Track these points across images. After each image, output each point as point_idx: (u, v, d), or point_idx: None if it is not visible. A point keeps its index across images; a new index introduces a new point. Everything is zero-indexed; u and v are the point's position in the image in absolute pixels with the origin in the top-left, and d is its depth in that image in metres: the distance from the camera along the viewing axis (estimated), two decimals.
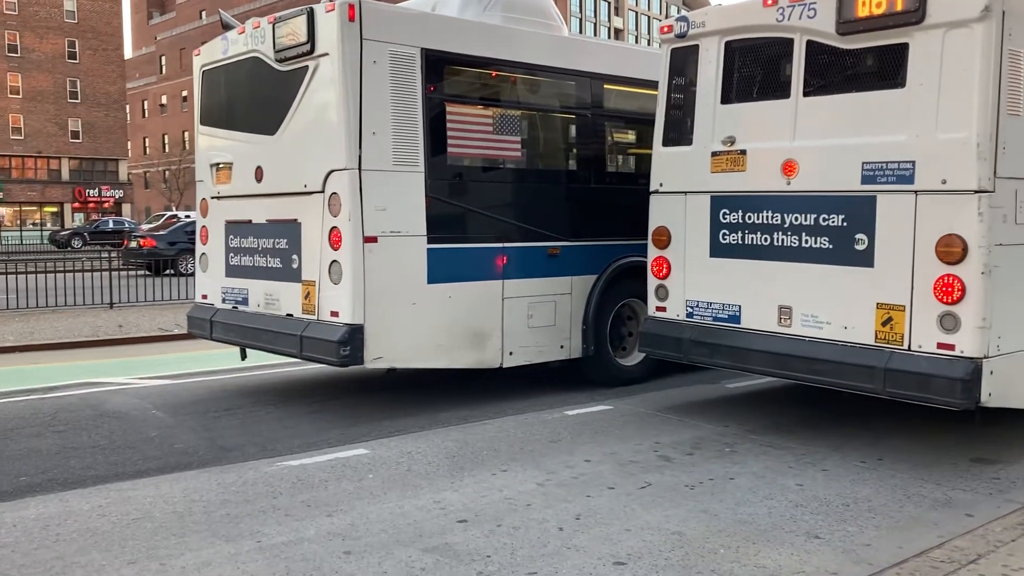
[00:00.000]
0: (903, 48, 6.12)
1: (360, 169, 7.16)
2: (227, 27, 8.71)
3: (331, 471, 6.22)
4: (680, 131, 7.71)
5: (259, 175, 8.06)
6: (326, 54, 7.28)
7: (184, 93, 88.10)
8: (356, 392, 9.06)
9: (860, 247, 6.35)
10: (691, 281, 7.53)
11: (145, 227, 48.78)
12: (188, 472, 6.28)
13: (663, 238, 7.72)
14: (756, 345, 7.00)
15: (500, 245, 8.04)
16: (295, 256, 7.69)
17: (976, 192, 5.77)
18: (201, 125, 8.96)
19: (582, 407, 8.20)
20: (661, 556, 4.65)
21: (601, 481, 5.94)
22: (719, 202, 7.28)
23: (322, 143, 7.35)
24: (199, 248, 9.13)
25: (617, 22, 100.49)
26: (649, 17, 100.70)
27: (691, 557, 4.64)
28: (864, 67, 6.48)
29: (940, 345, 5.94)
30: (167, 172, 75.74)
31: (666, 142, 7.80)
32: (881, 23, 6.18)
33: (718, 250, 7.30)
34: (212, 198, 8.86)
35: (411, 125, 7.43)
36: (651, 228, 7.84)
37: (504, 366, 8.15)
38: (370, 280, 7.22)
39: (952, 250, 5.86)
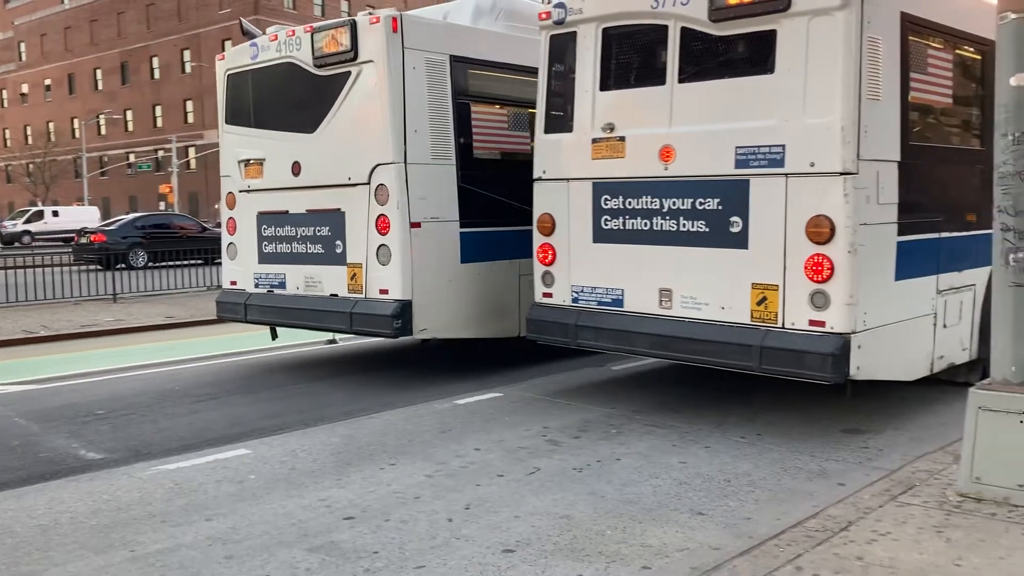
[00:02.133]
0: (772, 35, 6.31)
1: (405, 163, 8.09)
2: (248, 34, 9.57)
3: (210, 473, 5.98)
4: (561, 118, 7.74)
5: (296, 169, 8.84)
6: (370, 61, 8.12)
7: (48, 81, 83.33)
8: (237, 392, 8.76)
9: (735, 229, 6.54)
10: (576, 267, 7.60)
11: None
12: (54, 482, 5.92)
13: (547, 225, 7.75)
14: (639, 328, 7.12)
15: (517, 228, 8.61)
16: (339, 242, 8.56)
17: (841, 174, 6.01)
18: (227, 124, 9.64)
19: (472, 396, 8.18)
20: (550, 541, 4.66)
21: (491, 469, 5.93)
22: (600, 188, 7.35)
23: (367, 140, 8.20)
24: (226, 238, 9.82)
25: None
26: None
27: (579, 540, 4.67)
28: (736, 53, 6.65)
29: (812, 322, 6.18)
30: (31, 165, 71.44)
31: (547, 129, 7.82)
32: (750, 10, 6.35)
33: (601, 235, 7.39)
34: (240, 191, 9.51)
35: (444, 123, 8.42)
36: (535, 215, 7.86)
37: (521, 335, 8.70)
38: (416, 261, 8.16)
39: (821, 230, 6.09)
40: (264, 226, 9.30)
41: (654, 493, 5.39)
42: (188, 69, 72.45)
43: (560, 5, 7.57)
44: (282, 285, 9.14)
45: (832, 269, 6.06)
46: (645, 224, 7.07)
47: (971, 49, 7.34)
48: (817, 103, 6.10)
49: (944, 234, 6.96)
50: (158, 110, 75.72)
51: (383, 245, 8.16)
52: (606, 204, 7.32)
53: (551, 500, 5.29)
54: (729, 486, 5.51)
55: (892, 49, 6.32)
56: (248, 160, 9.35)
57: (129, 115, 77.35)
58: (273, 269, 9.22)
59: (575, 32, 7.47)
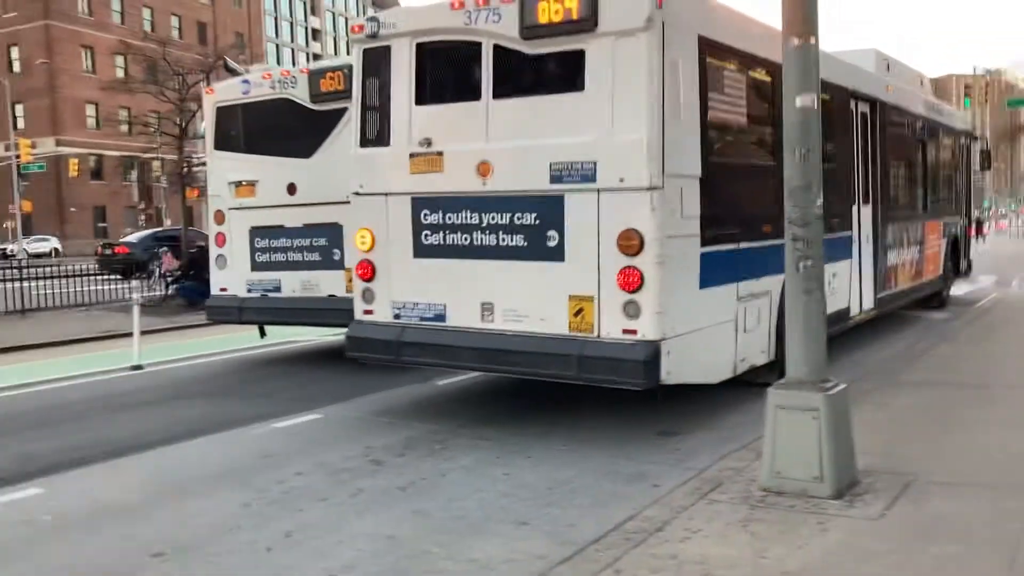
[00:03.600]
0: (581, 54, 6.52)
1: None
2: (232, 71, 11.27)
3: (1, 515, 5.45)
4: (378, 132, 7.66)
5: (292, 189, 10.10)
6: None
7: None
8: (31, 427, 8.04)
9: (552, 243, 6.69)
10: (396, 282, 7.52)
11: None
12: None
13: (366, 241, 7.63)
14: (462, 342, 7.14)
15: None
16: (336, 250, 9.81)
17: (648, 189, 6.29)
18: (216, 150, 10.87)
19: (292, 418, 7.91)
20: (374, 563, 4.57)
21: (313, 493, 5.75)
22: (420, 203, 7.32)
23: None
24: (215, 250, 10.91)
25: (314, 22, 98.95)
26: (346, 18, 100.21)
27: (404, 560, 4.60)
28: (547, 71, 6.83)
29: (625, 331, 6.42)
30: None
31: (363, 143, 7.72)
32: (560, 29, 6.53)
33: (421, 250, 7.35)
34: (230, 209, 10.65)
35: None
36: (354, 231, 7.73)
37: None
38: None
39: (631, 243, 6.34)
40: (257, 239, 10.45)
41: (480, 507, 5.40)
42: None
43: (373, 19, 7.50)
44: (277, 289, 10.35)
45: (642, 280, 6.32)
46: (465, 239, 7.11)
47: (763, 71, 7.91)
48: (625, 121, 6.35)
49: (743, 245, 7.44)
50: None
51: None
52: (426, 219, 7.30)
53: (376, 521, 5.19)
54: (552, 494, 5.61)
55: (691, 70, 6.70)
56: (239, 181, 10.56)
57: None
58: (267, 276, 10.43)
59: (389, 46, 7.41)
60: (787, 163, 5.26)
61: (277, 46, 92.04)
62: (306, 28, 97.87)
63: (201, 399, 8.96)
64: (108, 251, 29.38)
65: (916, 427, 6.62)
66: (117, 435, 7.52)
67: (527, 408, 8.08)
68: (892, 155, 11.84)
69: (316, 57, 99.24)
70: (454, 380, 9.30)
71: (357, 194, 7.71)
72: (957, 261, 15.48)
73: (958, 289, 16.20)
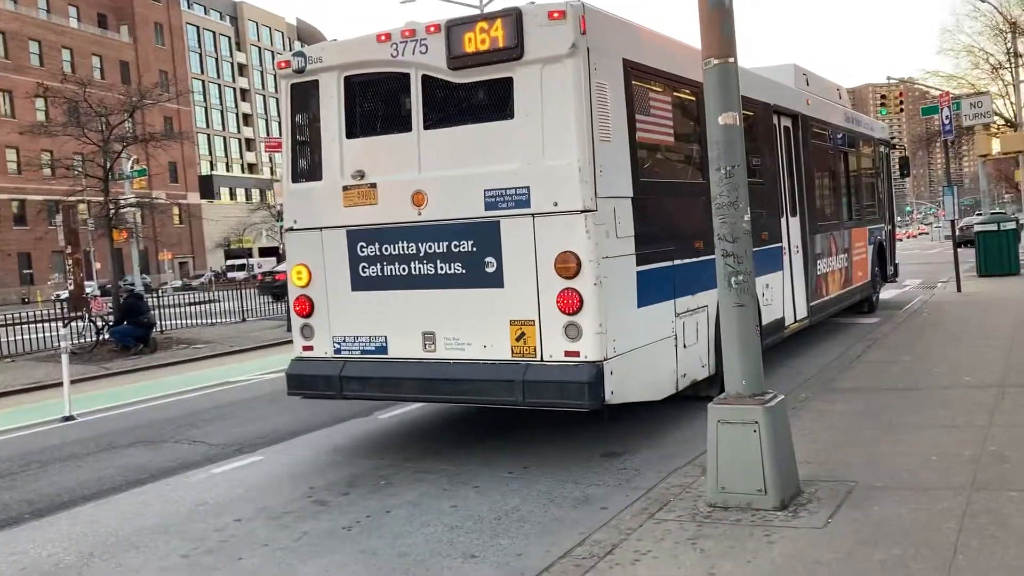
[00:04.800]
0: (509, 82, 6.56)
1: None
2: None
3: None
4: (309, 167, 7.59)
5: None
6: None
7: None
8: None
9: (490, 269, 6.68)
10: (336, 317, 7.42)
11: None
12: None
13: (303, 276, 7.52)
14: (405, 373, 7.07)
15: None
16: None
17: (582, 212, 6.33)
18: None
19: (231, 462, 7.70)
20: None
21: (254, 540, 5.57)
22: (355, 236, 7.25)
23: None
24: None
25: (240, 57, 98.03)
26: (272, 52, 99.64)
27: None
28: (477, 100, 6.84)
29: (567, 353, 6.42)
30: None
31: (295, 178, 7.64)
32: (487, 58, 6.56)
33: (359, 283, 7.27)
34: None
35: None
36: (289, 267, 7.61)
37: None
38: None
39: (568, 265, 6.36)
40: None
41: (426, 542, 5.30)
42: None
43: (300, 54, 7.44)
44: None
45: (581, 301, 6.34)
46: (403, 269, 7.06)
47: (688, 91, 8.04)
48: (555, 146, 6.39)
49: (677, 261, 7.53)
50: None
51: None
52: (362, 251, 7.23)
53: (321, 565, 5.05)
54: (500, 524, 5.55)
55: (618, 93, 6.78)
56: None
57: None
58: None
59: (317, 81, 7.36)
60: (713, 180, 5.31)
61: (203, 82, 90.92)
62: (232, 63, 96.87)
63: (136, 447, 8.67)
64: (269, 278, 30.44)
65: (854, 433, 6.72)
66: (48, 491, 7.22)
67: (471, 436, 8.00)
68: (816, 167, 12.16)
69: (244, 92, 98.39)
70: (396, 413, 9.17)
71: (291, 230, 7.60)
72: (884, 266, 15.93)
73: (886, 293, 16.65)
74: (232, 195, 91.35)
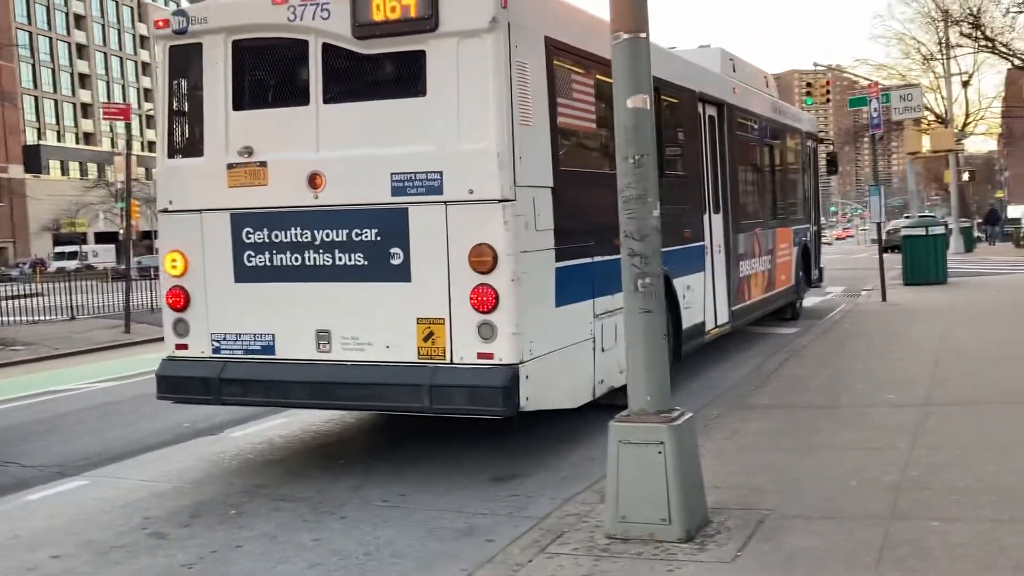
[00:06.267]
0: (421, 56, 6.76)
1: None
2: None
3: None
4: (189, 140, 7.63)
5: None
6: None
7: None
8: None
9: (396, 261, 6.88)
10: (215, 312, 7.45)
11: None
12: None
13: (178, 265, 7.52)
14: (295, 376, 7.17)
15: None
16: None
17: (500, 201, 6.61)
18: None
19: (50, 487, 7.45)
20: None
21: None
22: (240, 220, 7.31)
23: None
24: None
25: (77, 7, 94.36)
26: (117, 2, 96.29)
27: None
28: (385, 74, 7.04)
29: (480, 355, 6.68)
30: None
31: (172, 153, 7.66)
32: (397, 28, 6.73)
33: (244, 274, 7.33)
34: None
35: None
36: (162, 253, 7.63)
37: None
38: None
39: (484, 259, 6.62)
40: None
41: None
42: None
43: (181, 13, 7.46)
44: None
45: (497, 298, 6.61)
46: (296, 259, 7.16)
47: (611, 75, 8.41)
48: (472, 128, 6.64)
49: (597, 258, 7.88)
50: None
51: None
52: (248, 238, 7.29)
53: None
54: (370, 560, 5.49)
55: (539, 74, 7.10)
56: None
57: None
58: None
59: (200, 44, 7.38)
60: (620, 170, 5.27)
61: (31, 34, 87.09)
62: (70, 43, 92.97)
63: None
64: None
65: (768, 456, 6.88)
66: None
67: (340, 458, 7.91)
68: (741, 161, 12.79)
69: (81, 48, 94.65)
70: (251, 431, 9.01)
71: (165, 211, 7.61)
72: (809, 270, 16.79)
73: (809, 300, 17.47)
74: (64, 170, 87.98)
